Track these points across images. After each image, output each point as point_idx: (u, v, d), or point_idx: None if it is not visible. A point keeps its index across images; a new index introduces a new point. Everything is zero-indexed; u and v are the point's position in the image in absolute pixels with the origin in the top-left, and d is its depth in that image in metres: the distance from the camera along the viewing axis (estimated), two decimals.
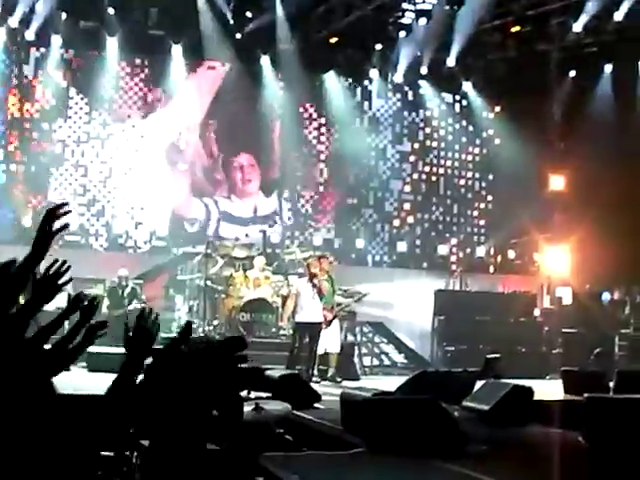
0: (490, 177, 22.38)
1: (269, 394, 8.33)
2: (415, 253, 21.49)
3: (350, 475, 5.42)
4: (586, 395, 6.79)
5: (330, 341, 14.39)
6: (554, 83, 20.30)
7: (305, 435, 8.09)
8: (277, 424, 7.32)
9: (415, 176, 22.08)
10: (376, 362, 17.02)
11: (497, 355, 12.69)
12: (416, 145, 22.15)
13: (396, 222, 21.75)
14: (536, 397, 8.52)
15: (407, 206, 21.92)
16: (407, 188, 22.01)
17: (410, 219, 21.84)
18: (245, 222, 20.42)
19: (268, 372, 9.73)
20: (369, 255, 21.10)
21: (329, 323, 14.23)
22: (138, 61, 19.93)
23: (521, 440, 6.89)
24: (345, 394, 7.42)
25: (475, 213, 22.46)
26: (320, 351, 14.15)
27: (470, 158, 22.54)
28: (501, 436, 7.26)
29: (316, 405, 9.19)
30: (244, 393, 8.03)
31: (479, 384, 9.72)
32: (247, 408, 7.25)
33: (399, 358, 17.85)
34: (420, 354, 17.99)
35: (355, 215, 21.30)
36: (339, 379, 14.20)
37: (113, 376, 2.74)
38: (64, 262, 3.47)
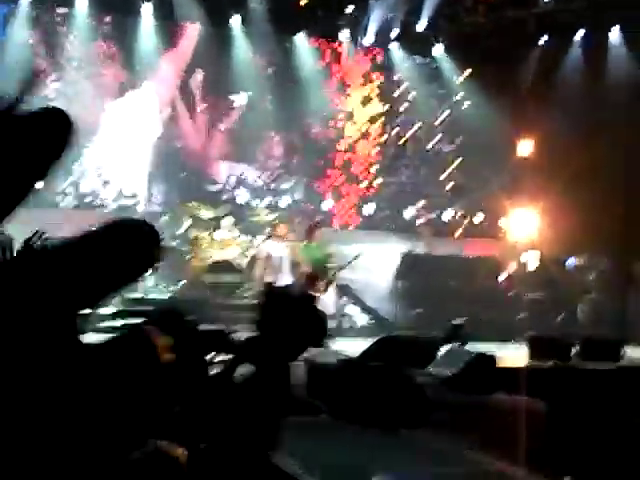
0: (459, 141, 22.35)
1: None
2: (382, 215, 21.48)
3: (311, 442, 5.36)
4: (551, 363, 6.77)
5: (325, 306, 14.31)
6: (525, 49, 20.30)
7: None
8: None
9: (383, 138, 21.91)
10: (341, 325, 16.75)
11: (462, 320, 12.68)
12: (385, 107, 21.98)
13: (364, 184, 21.60)
14: (501, 363, 8.49)
15: (374, 169, 21.86)
16: (375, 151, 21.84)
17: (378, 181, 21.78)
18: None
19: (233, 334, 9.60)
20: (335, 217, 20.98)
21: (325, 288, 14.05)
22: (108, 19, 19.51)
23: (485, 407, 6.86)
24: (309, 359, 7.33)
25: (442, 177, 22.39)
26: None
27: (439, 122, 22.48)
28: (465, 403, 7.22)
29: None
30: (209, 356, 7.97)
31: (443, 350, 9.66)
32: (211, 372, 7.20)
33: (364, 321, 17.70)
34: (385, 317, 17.90)
35: (322, 177, 21.21)
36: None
37: None
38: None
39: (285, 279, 13.89)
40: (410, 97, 22.13)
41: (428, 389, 7.47)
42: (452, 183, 22.29)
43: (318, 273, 14.01)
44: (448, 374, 8.04)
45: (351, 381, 6.08)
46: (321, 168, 21.34)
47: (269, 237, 14.52)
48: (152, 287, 16.40)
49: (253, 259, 14.27)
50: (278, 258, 13.86)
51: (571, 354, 11.34)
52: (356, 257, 14.55)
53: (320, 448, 5.29)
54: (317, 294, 13.70)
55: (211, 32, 19.52)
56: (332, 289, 14.32)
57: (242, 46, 20.05)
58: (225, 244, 16.18)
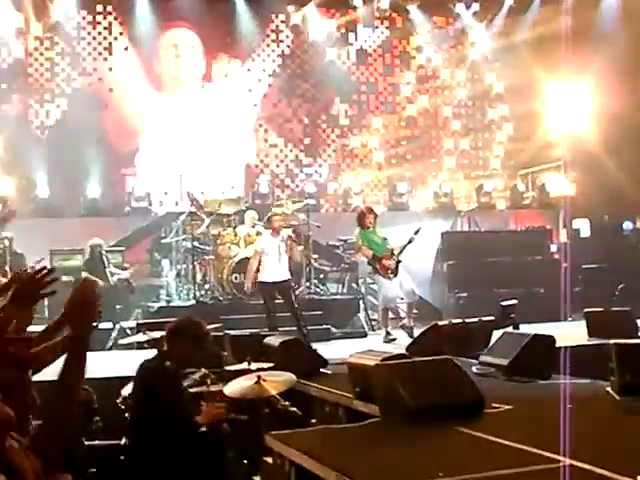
0: (493, 107, 22.55)
1: (270, 364, 8.33)
2: (417, 194, 21.55)
3: (365, 448, 5.47)
4: (614, 342, 6.81)
5: (404, 290, 14.58)
6: None
7: (313, 407, 8.14)
8: (281, 397, 7.37)
9: (411, 109, 21.81)
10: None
11: (513, 301, 12.70)
12: (410, 76, 21.96)
13: (394, 161, 21.51)
14: (559, 344, 8.52)
15: (405, 143, 21.94)
16: (404, 123, 21.79)
17: (409, 157, 21.78)
18: None
19: (267, 339, 9.72)
20: (366, 199, 21.07)
21: (394, 272, 14.40)
22: None
23: (545, 395, 6.93)
24: (352, 359, 7.43)
25: (479, 145, 22.64)
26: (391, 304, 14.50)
27: (469, 87, 22.53)
28: (523, 393, 7.30)
29: (323, 371, 9.17)
30: (245, 365, 8.09)
31: (496, 334, 9.68)
32: (248, 382, 7.33)
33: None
34: (431, 302, 18.00)
35: (348, 156, 21.33)
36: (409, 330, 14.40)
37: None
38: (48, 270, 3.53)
39: (281, 274, 13.98)
40: (435, 61, 22.25)
41: (482, 379, 7.53)
42: (489, 152, 22.47)
43: (384, 256, 14.43)
44: (504, 362, 8.04)
45: (401, 379, 6.16)
46: (345, 147, 21.54)
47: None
48: (175, 293, 16.55)
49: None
50: (274, 253, 13.88)
51: (635, 327, 11.40)
52: (417, 232, 14.69)
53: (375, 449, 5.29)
54: (389, 273, 14.29)
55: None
56: (402, 269, 14.66)
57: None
58: (250, 240, 16.05)
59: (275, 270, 13.89)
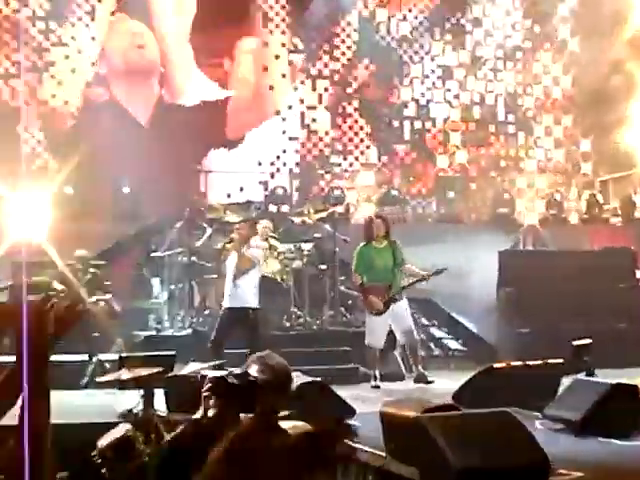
0: (567, 93, 22.58)
1: (285, 411, 8.25)
2: (469, 203, 21.50)
3: None
4: None
5: (399, 329, 14.28)
6: None
7: (336, 468, 8.05)
8: None
9: (465, 97, 22.18)
10: (425, 352, 16.30)
11: (587, 340, 12.54)
12: (463, 55, 22.24)
13: (442, 160, 21.72)
14: None
15: (456, 138, 22.00)
16: (455, 114, 21.97)
17: (460, 156, 21.89)
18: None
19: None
20: (407, 206, 21.03)
21: (380, 311, 14.06)
22: None
23: (626, 461, 6.88)
24: (387, 408, 7.39)
25: (547, 143, 22.51)
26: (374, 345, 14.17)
27: (538, 68, 22.66)
28: (599, 456, 7.24)
29: (350, 422, 9.20)
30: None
31: (565, 382, 9.68)
32: None
33: (455, 345, 17.63)
34: (483, 338, 17.63)
35: (386, 152, 21.64)
36: (428, 378, 14.19)
37: None
38: None
39: (235, 299, 13.68)
40: (497, 38, 22.38)
41: (548, 438, 7.47)
42: (561, 151, 22.44)
43: (373, 287, 14.09)
44: (575, 417, 8.01)
45: (446, 435, 6.14)
46: (383, 142, 21.69)
47: (230, 242, 14.14)
48: (167, 320, 16.51)
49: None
50: (229, 271, 13.76)
51: None
52: (438, 272, 14.40)
53: None
54: (373, 311, 13.93)
55: None
56: (405, 305, 14.29)
57: None
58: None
59: (237, 293, 13.61)
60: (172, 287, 16.74)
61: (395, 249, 14.33)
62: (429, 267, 14.70)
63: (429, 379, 14.05)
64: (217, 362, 10.09)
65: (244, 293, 13.54)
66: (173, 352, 11.54)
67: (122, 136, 19.57)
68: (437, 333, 17.85)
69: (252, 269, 13.61)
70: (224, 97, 21.38)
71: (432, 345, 17.45)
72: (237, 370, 5.02)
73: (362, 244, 14.42)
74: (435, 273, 14.32)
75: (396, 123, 21.93)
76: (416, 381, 14.06)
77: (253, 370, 4.90)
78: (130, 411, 8.43)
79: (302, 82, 21.81)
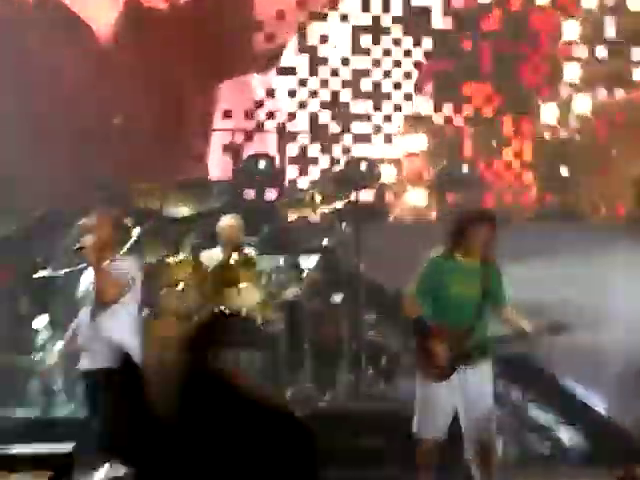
0: None
1: None
2: (597, 188, 18.49)
3: None
4: None
5: (470, 413, 10.08)
6: None
7: None
8: None
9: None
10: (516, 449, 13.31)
11: None
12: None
13: (549, 110, 18.66)
14: None
15: (573, 71, 19.00)
16: (572, 29, 18.79)
17: (582, 105, 18.87)
18: None
19: None
20: (487, 193, 18.12)
21: (443, 376, 9.98)
22: None
23: None
24: None
25: None
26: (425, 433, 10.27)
27: None
28: None
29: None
30: None
31: None
32: None
33: (574, 438, 13.80)
34: (619, 424, 13.69)
35: (451, 98, 18.55)
36: None
37: None
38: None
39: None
40: None
41: None
42: None
43: (443, 331, 9.99)
44: None
45: None
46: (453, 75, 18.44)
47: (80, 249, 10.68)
48: (62, 387, 13.27)
49: None
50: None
51: None
52: (556, 329, 10.16)
53: None
54: (432, 373, 10.02)
55: None
56: (488, 373, 10.16)
57: None
58: (228, 277, 12.69)
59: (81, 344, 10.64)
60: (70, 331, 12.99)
61: (494, 274, 10.30)
62: (529, 306, 10.86)
63: None
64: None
65: (110, 342, 10.29)
66: (70, 446, 8.78)
67: None
68: (540, 416, 14.04)
69: (123, 298, 10.40)
70: None
71: (528, 436, 13.82)
72: None
73: (436, 255, 10.48)
74: (551, 330, 10.30)
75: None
76: None
77: None
78: None
79: None
